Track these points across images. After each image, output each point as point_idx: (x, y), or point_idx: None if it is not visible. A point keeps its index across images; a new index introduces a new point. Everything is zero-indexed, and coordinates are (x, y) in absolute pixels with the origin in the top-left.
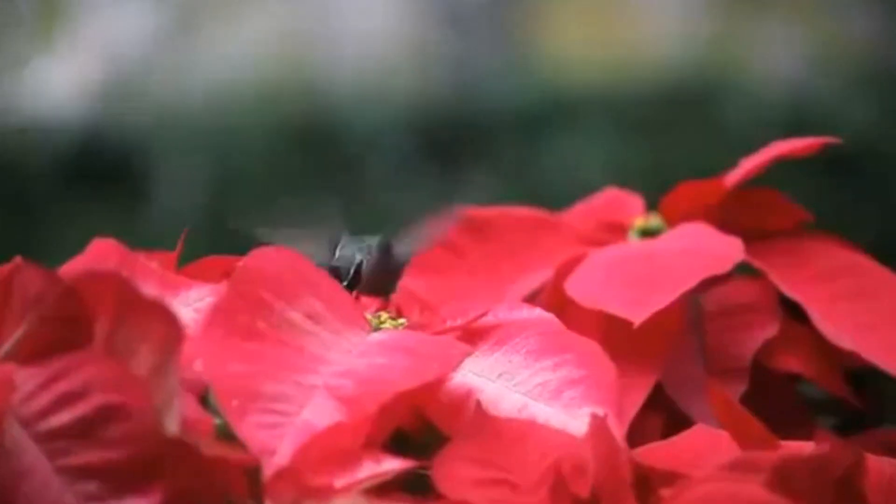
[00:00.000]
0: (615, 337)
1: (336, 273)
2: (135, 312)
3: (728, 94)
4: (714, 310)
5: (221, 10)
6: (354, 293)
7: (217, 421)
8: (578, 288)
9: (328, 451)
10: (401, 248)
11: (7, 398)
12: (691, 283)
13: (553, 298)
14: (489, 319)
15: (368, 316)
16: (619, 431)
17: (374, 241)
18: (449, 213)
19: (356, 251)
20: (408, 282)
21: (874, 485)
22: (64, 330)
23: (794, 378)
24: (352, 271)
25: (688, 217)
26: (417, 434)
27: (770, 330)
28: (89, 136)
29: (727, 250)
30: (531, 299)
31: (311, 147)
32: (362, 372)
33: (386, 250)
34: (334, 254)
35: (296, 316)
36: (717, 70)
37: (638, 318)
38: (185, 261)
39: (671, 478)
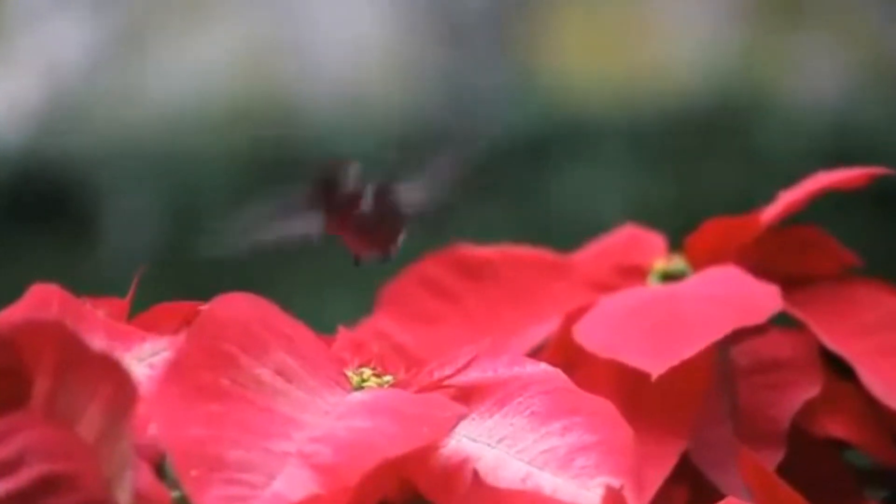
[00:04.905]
0: (632, 396)
1: (348, 199)
2: (80, 368)
3: (762, 118)
4: (747, 365)
5: (176, 20)
6: (352, 239)
7: (175, 493)
8: (589, 334)
9: None
10: (407, 195)
11: None
12: (720, 333)
13: (561, 351)
14: (488, 376)
15: (349, 372)
16: None
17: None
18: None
19: (345, 180)
20: (394, 332)
21: None
22: None
23: (839, 444)
24: (345, 200)
25: (717, 259)
26: None
27: (811, 389)
28: (27, 163)
29: (762, 298)
30: (536, 353)
31: (282, 177)
32: (342, 437)
33: (385, 192)
34: (318, 182)
35: (265, 372)
36: (749, 92)
37: (657, 369)
38: (137, 308)
39: None
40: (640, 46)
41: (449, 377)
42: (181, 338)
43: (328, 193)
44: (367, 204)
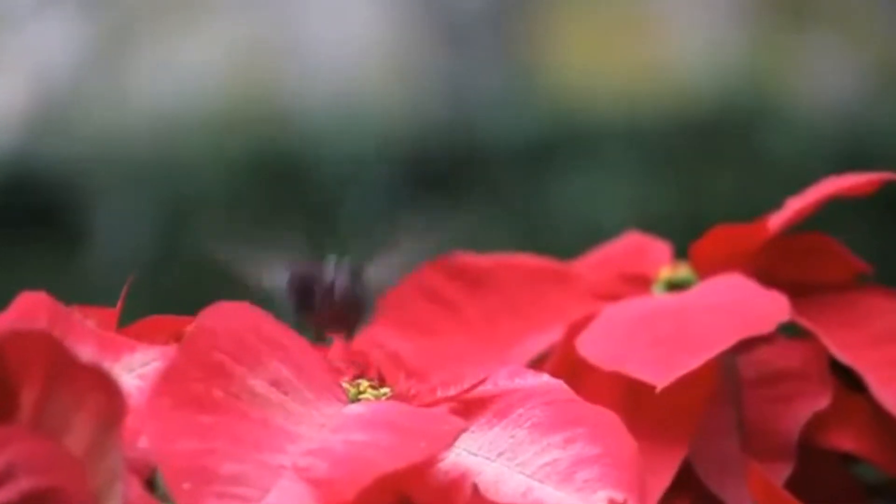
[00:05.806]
0: (636, 407)
1: (300, 293)
2: (69, 379)
3: (769, 121)
4: (754, 376)
5: (168, 20)
6: (319, 322)
7: None
8: (592, 346)
9: None
10: (374, 277)
11: None
12: (726, 343)
13: (563, 362)
14: (488, 388)
15: (345, 384)
16: None
17: (341, 263)
18: (436, 249)
19: (321, 270)
20: (392, 342)
21: None
22: None
23: (849, 458)
24: (320, 292)
25: (723, 267)
26: None
27: (820, 401)
28: (14, 168)
29: (770, 307)
30: (537, 364)
31: (277, 183)
32: (338, 450)
33: (357, 276)
34: (294, 274)
35: (259, 384)
36: (755, 94)
37: (661, 381)
38: (127, 318)
39: None
40: (643, 47)
41: (453, 398)
42: (172, 348)
43: (301, 295)
44: (338, 295)
